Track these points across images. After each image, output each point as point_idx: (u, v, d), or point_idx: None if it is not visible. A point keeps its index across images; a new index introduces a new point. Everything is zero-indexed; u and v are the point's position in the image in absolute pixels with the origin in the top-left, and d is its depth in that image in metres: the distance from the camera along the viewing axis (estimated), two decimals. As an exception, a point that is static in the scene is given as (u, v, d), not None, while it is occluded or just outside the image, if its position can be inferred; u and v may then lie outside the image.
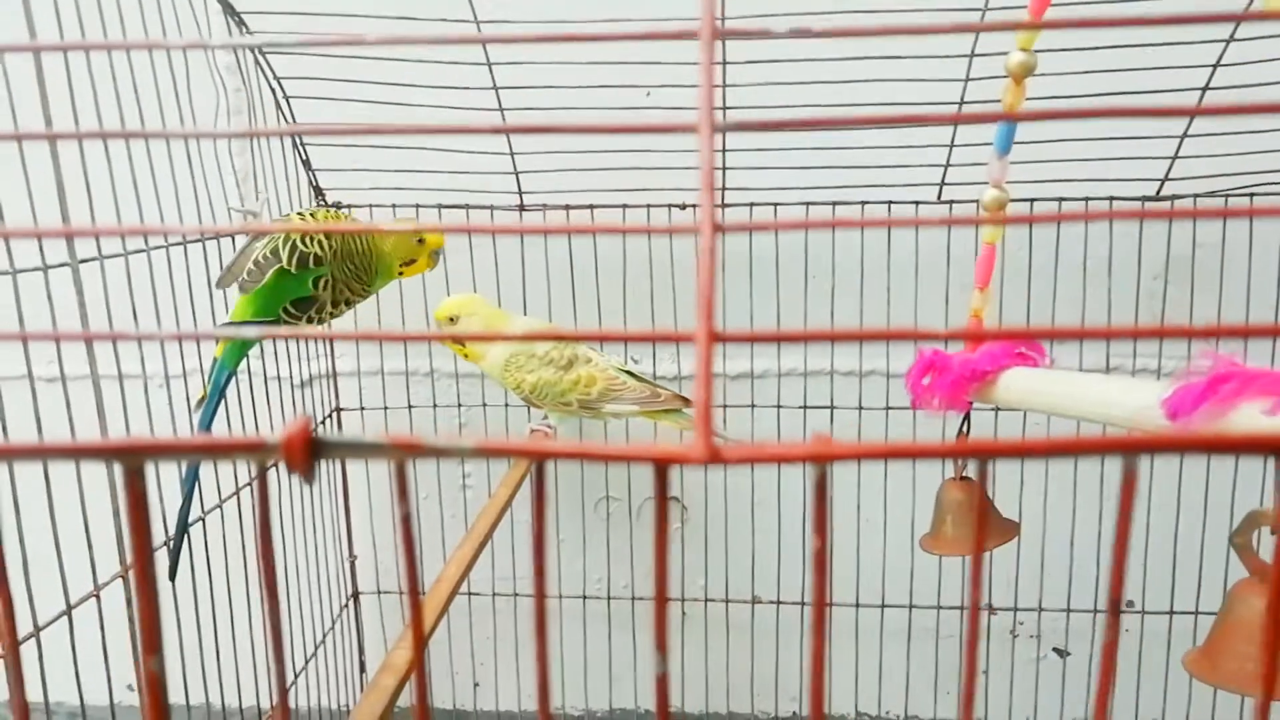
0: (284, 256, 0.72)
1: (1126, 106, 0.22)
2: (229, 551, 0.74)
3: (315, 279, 0.75)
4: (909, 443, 0.19)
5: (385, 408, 0.96)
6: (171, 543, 0.71)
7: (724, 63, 0.79)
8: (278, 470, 0.71)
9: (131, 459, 0.20)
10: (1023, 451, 0.19)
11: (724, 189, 0.88)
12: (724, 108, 0.82)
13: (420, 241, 0.81)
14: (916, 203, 0.86)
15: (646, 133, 0.24)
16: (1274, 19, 0.27)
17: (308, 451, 0.19)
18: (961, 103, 0.79)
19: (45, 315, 0.58)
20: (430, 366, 0.96)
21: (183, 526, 0.70)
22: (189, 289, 0.70)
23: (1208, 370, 0.50)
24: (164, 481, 0.60)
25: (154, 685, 0.20)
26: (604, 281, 0.91)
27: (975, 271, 0.68)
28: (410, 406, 0.96)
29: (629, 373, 0.82)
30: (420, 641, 0.22)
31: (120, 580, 0.61)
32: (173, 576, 0.70)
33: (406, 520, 0.20)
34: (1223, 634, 0.48)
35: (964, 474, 0.70)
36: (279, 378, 0.86)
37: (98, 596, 0.60)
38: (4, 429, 0.54)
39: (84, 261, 0.60)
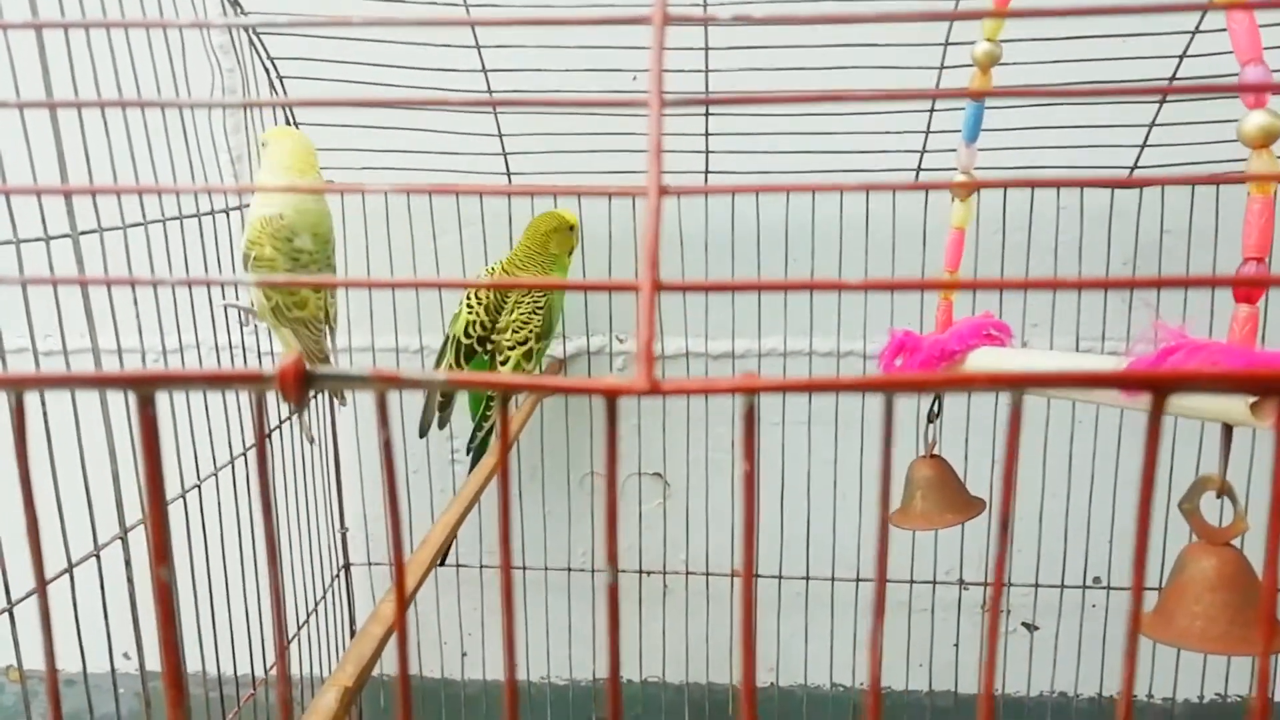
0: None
1: (1090, 88, 0.25)
2: (224, 520, 0.77)
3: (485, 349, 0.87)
4: (828, 378, 0.21)
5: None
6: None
7: (706, 48, 0.81)
8: (271, 442, 0.74)
9: (143, 388, 0.22)
10: (923, 386, 0.21)
11: (707, 172, 0.91)
12: (706, 91, 0.84)
13: (571, 230, 0.87)
14: (894, 188, 0.89)
15: (598, 106, 0.27)
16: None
17: (300, 382, 0.22)
18: (936, 90, 0.82)
19: (46, 288, 0.60)
20: (420, 343, 0.99)
21: None
22: (185, 263, 0.73)
23: (1159, 340, 0.52)
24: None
25: (164, 594, 0.22)
26: (589, 262, 0.94)
27: (945, 255, 0.71)
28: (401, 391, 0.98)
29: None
30: (402, 599, 0.25)
31: (119, 542, 0.64)
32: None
33: (388, 445, 0.23)
34: (1174, 595, 0.51)
35: (933, 452, 0.73)
36: (272, 354, 0.89)
37: (98, 557, 0.62)
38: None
39: (85, 233, 0.62)
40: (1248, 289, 0.51)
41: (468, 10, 0.80)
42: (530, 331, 0.85)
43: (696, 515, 1.00)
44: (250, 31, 0.83)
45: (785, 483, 0.97)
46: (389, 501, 0.24)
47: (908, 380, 0.22)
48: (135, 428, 0.22)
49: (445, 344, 0.90)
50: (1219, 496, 0.51)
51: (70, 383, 0.22)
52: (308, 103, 0.29)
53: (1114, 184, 0.89)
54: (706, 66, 0.83)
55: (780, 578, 0.98)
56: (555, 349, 0.97)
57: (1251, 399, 0.48)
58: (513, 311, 0.86)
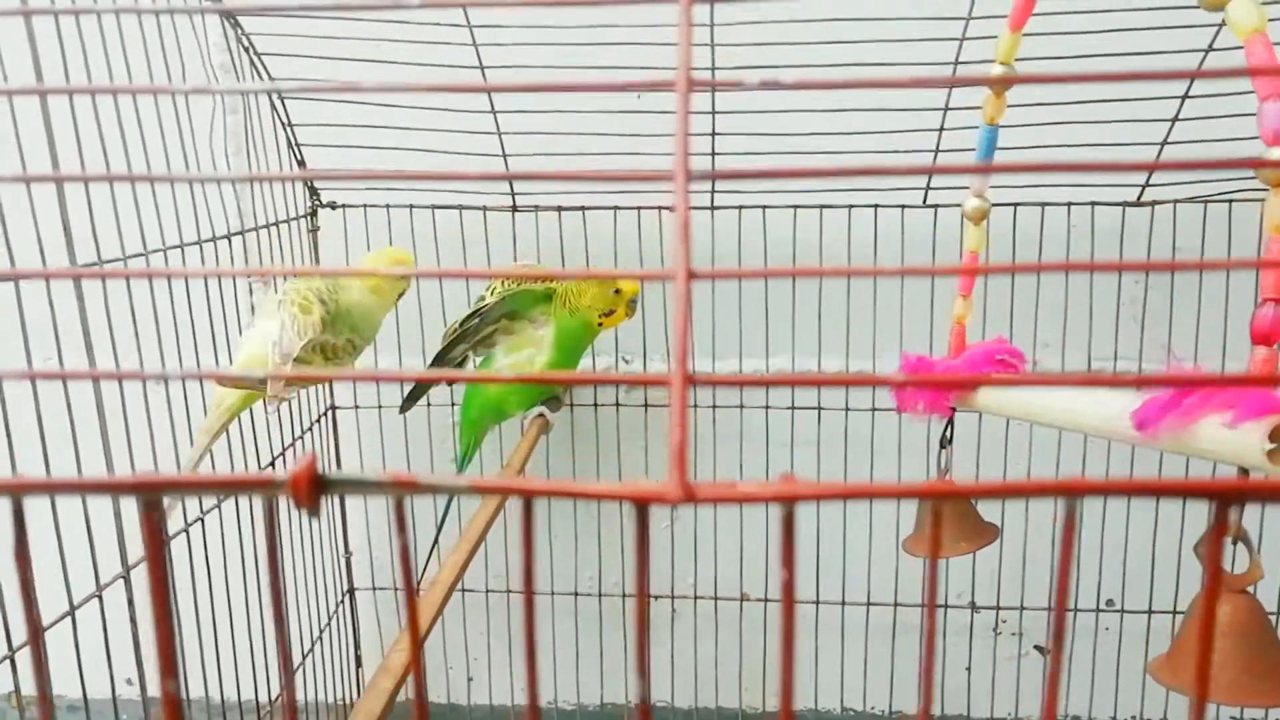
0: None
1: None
2: (227, 547, 0.76)
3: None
4: (866, 484, 0.20)
5: (379, 406, 0.97)
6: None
7: (713, 85, 0.80)
8: (274, 470, 0.72)
9: (150, 494, 0.21)
10: (975, 494, 0.20)
11: (713, 191, 0.90)
12: (712, 112, 0.83)
13: (616, 292, 0.83)
14: (903, 206, 0.88)
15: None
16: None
17: (313, 488, 0.21)
18: (946, 108, 0.81)
19: (47, 320, 0.59)
20: (424, 363, 0.97)
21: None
22: (186, 293, 0.72)
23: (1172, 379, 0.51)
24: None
25: (172, 708, 0.21)
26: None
27: (959, 280, 0.69)
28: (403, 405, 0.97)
29: None
30: (418, 662, 0.24)
31: (122, 580, 0.63)
32: None
33: (405, 552, 0.22)
34: (1186, 640, 0.50)
35: (947, 478, 0.72)
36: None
37: (100, 597, 0.61)
38: (7, 429, 0.55)
39: (86, 274, 0.61)
40: (1266, 330, 0.50)
41: (484, 74, 0.80)
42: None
43: (705, 539, 0.99)
44: (250, 52, 0.82)
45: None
46: (407, 603, 0.23)
47: (950, 489, 0.21)
48: (140, 528, 0.21)
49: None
50: (1234, 542, 0.50)
51: (77, 489, 0.21)
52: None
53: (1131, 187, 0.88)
54: (714, 102, 0.82)
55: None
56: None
57: (1270, 445, 0.47)
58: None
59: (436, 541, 0.91)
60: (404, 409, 0.91)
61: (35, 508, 0.49)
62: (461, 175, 0.25)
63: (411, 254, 0.85)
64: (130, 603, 0.63)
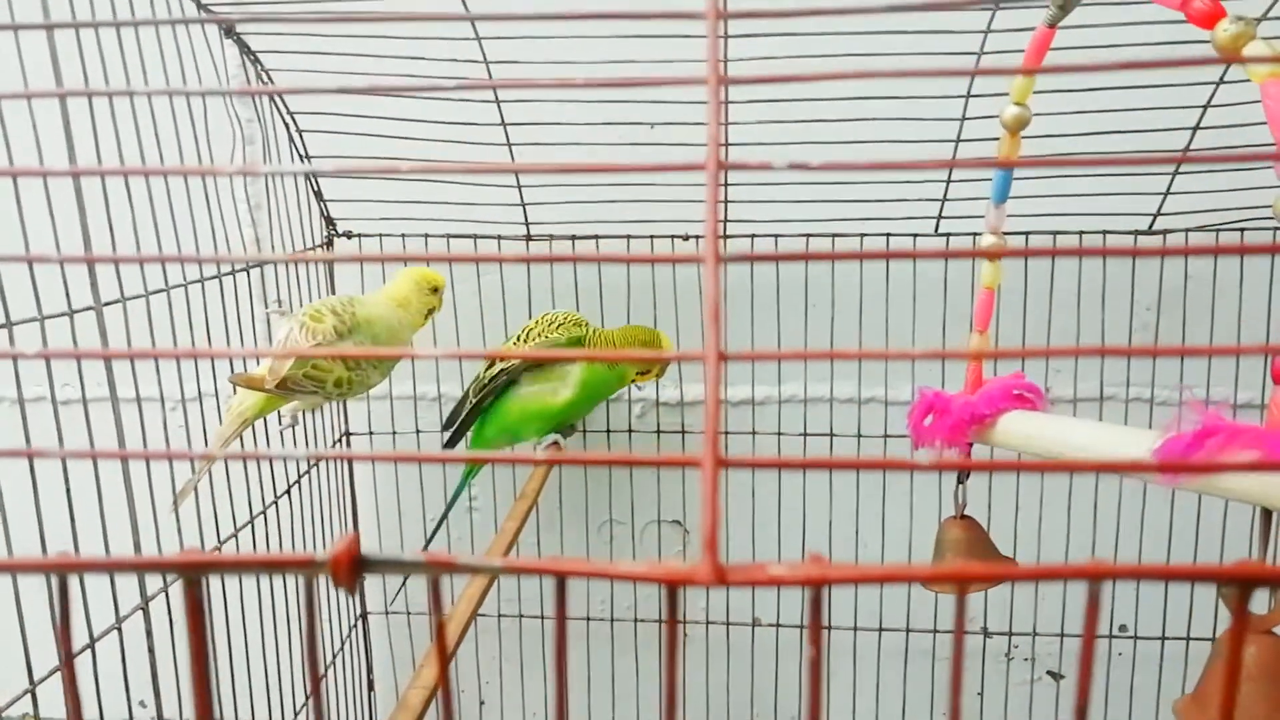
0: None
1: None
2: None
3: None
4: (901, 567, 0.20)
5: (394, 432, 0.98)
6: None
7: (726, 101, 0.80)
8: (289, 497, 0.73)
9: (190, 573, 0.22)
10: (996, 577, 0.21)
11: (726, 220, 0.90)
12: (726, 144, 0.84)
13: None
14: (914, 235, 0.88)
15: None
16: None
17: (353, 568, 0.21)
18: (958, 140, 0.81)
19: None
20: (438, 391, 0.98)
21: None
22: (205, 324, 0.72)
23: (1196, 423, 0.51)
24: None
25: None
26: (609, 311, 0.93)
27: (974, 315, 0.70)
28: (418, 431, 0.98)
29: None
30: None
31: (140, 612, 0.63)
32: None
33: (441, 629, 0.22)
34: (1211, 681, 0.50)
35: (964, 513, 0.72)
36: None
37: (119, 629, 0.62)
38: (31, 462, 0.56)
39: (108, 304, 0.62)
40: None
41: (500, 109, 0.80)
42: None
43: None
44: (270, 85, 0.83)
45: (807, 529, 0.96)
46: (440, 678, 0.23)
47: (978, 573, 0.21)
48: (181, 610, 0.22)
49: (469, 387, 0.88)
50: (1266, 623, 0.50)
51: (117, 567, 0.22)
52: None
53: (1134, 252, 0.88)
54: (727, 119, 0.82)
55: (802, 627, 0.97)
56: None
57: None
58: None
59: (441, 521, 0.92)
60: (449, 444, 0.89)
61: (57, 533, 0.49)
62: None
63: (443, 276, 0.85)
64: (149, 633, 0.64)
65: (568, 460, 0.23)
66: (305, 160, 0.88)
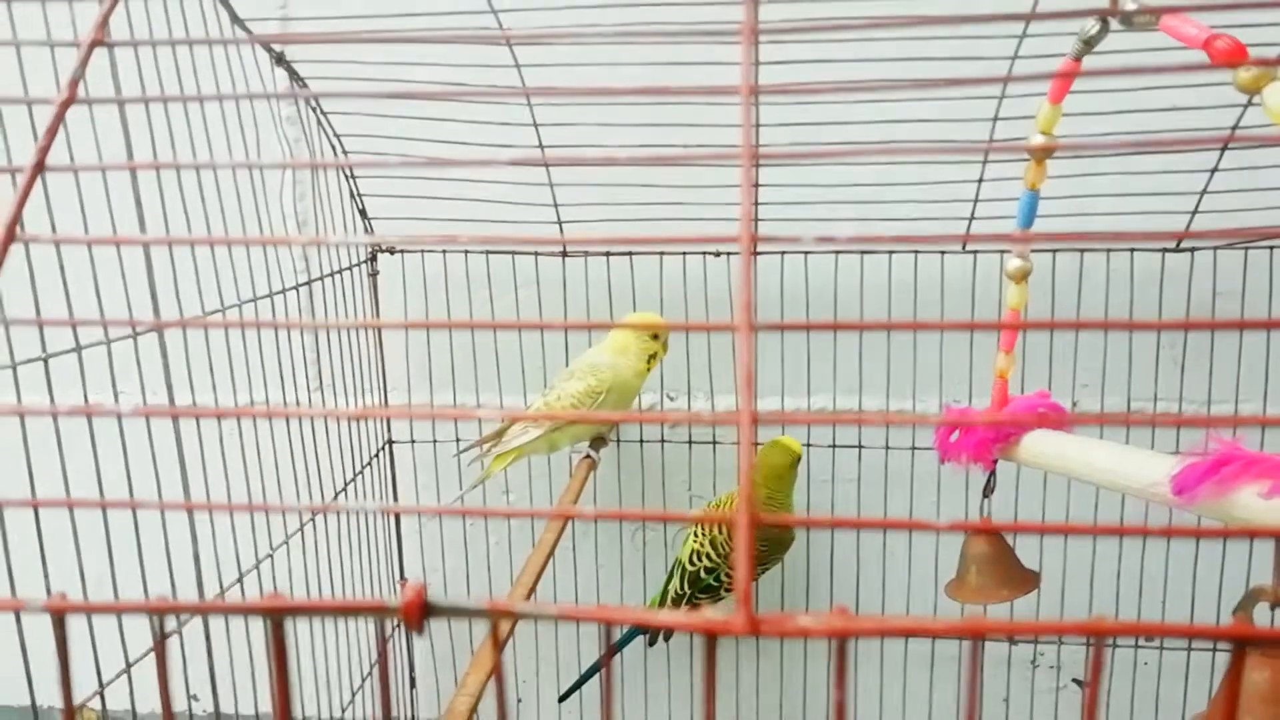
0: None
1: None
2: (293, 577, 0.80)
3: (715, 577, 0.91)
4: (925, 621, 0.23)
5: (434, 441, 1.01)
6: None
7: (757, 125, 0.82)
8: (309, 530, 0.75)
9: (275, 615, 0.24)
10: (1011, 631, 0.23)
11: (757, 232, 0.92)
12: (758, 161, 0.86)
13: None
14: (943, 252, 0.90)
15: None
16: None
17: (422, 613, 0.24)
18: (989, 145, 0.83)
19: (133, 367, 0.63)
20: (477, 400, 1.01)
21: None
22: (259, 345, 0.75)
23: (1213, 451, 0.53)
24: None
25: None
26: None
27: (1000, 336, 0.71)
28: (458, 440, 1.00)
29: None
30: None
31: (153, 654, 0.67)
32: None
33: (498, 669, 0.25)
34: (1223, 707, 0.52)
35: (987, 515, 0.74)
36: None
37: (129, 674, 0.64)
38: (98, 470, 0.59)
39: (168, 325, 0.65)
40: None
41: (522, 80, 0.83)
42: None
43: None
44: (315, 107, 0.86)
45: (835, 540, 0.98)
46: (499, 710, 0.26)
47: (995, 627, 0.23)
48: (268, 650, 0.24)
49: (672, 569, 0.94)
50: (1273, 608, 0.52)
51: (207, 610, 0.25)
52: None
53: (1169, 236, 0.89)
54: (757, 121, 0.84)
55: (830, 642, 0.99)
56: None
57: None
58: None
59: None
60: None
61: (64, 574, 0.52)
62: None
63: (657, 315, 0.89)
64: (206, 635, 0.67)
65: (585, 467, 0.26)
66: (351, 180, 0.92)
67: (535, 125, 0.85)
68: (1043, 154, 0.65)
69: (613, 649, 0.93)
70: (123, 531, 0.58)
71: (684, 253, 0.92)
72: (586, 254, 0.94)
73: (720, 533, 0.90)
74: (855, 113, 0.79)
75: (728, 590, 0.90)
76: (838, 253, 0.91)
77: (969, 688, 0.23)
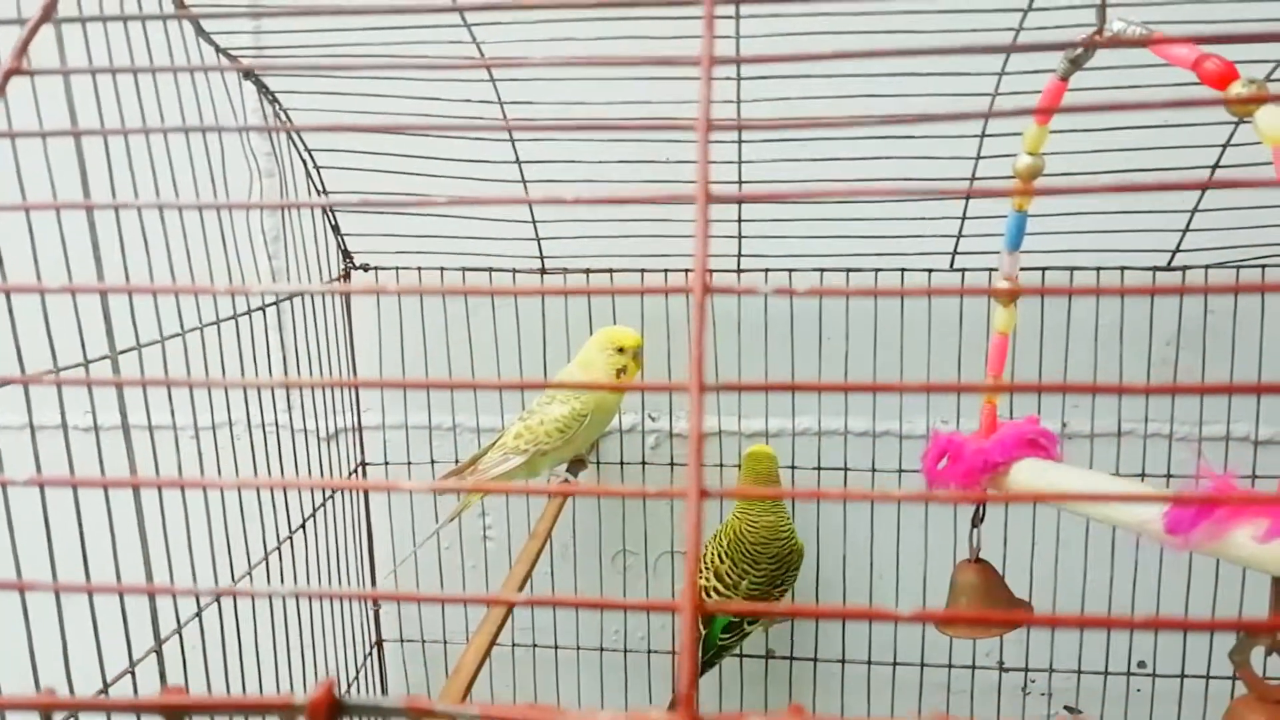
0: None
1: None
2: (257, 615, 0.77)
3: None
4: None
5: (409, 463, 0.98)
6: None
7: (739, 142, 0.81)
8: (305, 530, 0.73)
9: (172, 715, 0.22)
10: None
11: (740, 255, 0.90)
12: (740, 181, 0.84)
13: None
14: (929, 270, 0.88)
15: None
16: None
17: (331, 714, 0.22)
18: (973, 178, 0.81)
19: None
20: (453, 422, 0.99)
21: None
22: (222, 368, 0.73)
23: (1204, 487, 0.51)
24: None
25: None
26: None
27: (988, 359, 0.69)
28: (433, 462, 0.98)
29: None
30: None
31: (154, 655, 0.64)
32: None
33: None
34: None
35: (978, 556, 0.72)
36: (305, 430, 0.89)
37: (133, 674, 0.62)
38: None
39: (123, 353, 0.63)
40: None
41: (515, 147, 0.81)
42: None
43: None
44: (287, 124, 0.84)
45: (821, 560, 0.96)
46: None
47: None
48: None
49: None
50: (1269, 654, 0.50)
51: (105, 708, 0.22)
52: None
53: (1154, 291, 0.87)
54: (740, 158, 0.82)
55: (815, 660, 0.97)
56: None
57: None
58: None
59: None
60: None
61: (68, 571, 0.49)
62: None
63: (633, 334, 0.86)
64: (162, 676, 0.64)
65: (560, 490, 0.23)
66: (323, 194, 0.89)
67: (517, 160, 0.83)
68: (1029, 175, 0.63)
69: None
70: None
71: (666, 270, 0.90)
72: (565, 271, 0.92)
73: (723, 562, 0.87)
74: (835, 149, 0.78)
75: (750, 623, 0.88)
76: (822, 270, 0.89)
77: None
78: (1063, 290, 0.51)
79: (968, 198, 0.81)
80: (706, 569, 0.88)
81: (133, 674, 0.63)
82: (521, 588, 0.70)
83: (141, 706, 0.22)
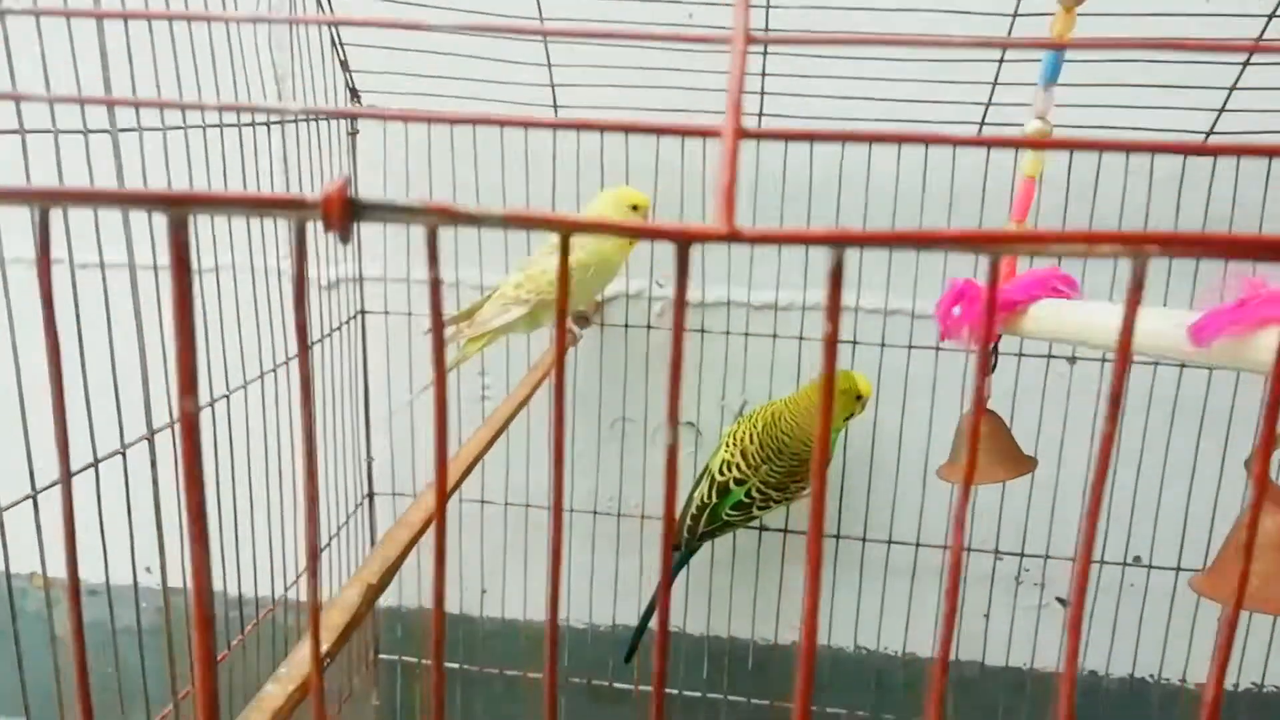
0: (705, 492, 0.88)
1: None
2: (251, 441, 0.76)
3: (745, 492, 0.86)
4: (919, 230, 0.19)
5: (409, 314, 0.97)
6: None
7: (768, 7, 0.78)
8: (286, 388, 0.71)
9: (178, 210, 0.20)
10: (1037, 240, 0.19)
11: (761, 115, 0.88)
12: (765, 30, 0.81)
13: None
14: (955, 142, 0.86)
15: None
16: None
17: (345, 210, 0.20)
18: (1006, 42, 0.78)
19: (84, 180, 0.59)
20: (456, 276, 0.97)
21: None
22: (224, 171, 0.71)
23: (1233, 291, 0.49)
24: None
25: (188, 427, 0.21)
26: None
27: (1013, 203, 0.67)
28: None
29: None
30: (443, 484, 0.23)
31: (146, 442, 0.63)
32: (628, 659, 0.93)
33: (435, 286, 0.21)
34: (1231, 553, 0.49)
35: (987, 406, 0.70)
36: (305, 277, 0.87)
37: (124, 454, 0.61)
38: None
39: (124, 130, 0.60)
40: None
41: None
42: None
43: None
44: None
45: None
46: (434, 354, 0.22)
47: (997, 236, 0.19)
48: (168, 255, 0.21)
49: (700, 476, 0.91)
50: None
51: (98, 199, 0.21)
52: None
53: (1185, 149, 0.85)
54: (768, 3, 0.80)
55: (838, 537, 0.97)
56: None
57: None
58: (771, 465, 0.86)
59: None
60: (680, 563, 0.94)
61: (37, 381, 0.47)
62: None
63: (644, 195, 0.84)
64: (155, 482, 0.63)
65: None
66: (333, 28, 0.87)
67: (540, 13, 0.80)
68: (1073, 2, 0.60)
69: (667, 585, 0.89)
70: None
71: (683, 132, 0.88)
72: (579, 126, 0.89)
73: (752, 443, 0.86)
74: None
75: (760, 508, 0.87)
76: (845, 139, 0.87)
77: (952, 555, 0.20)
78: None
79: (1004, 48, 0.79)
80: (734, 445, 0.87)
81: (123, 454, 0.61)
82: (521, 407, 0.68)
83: (146, 198, 0.20)
